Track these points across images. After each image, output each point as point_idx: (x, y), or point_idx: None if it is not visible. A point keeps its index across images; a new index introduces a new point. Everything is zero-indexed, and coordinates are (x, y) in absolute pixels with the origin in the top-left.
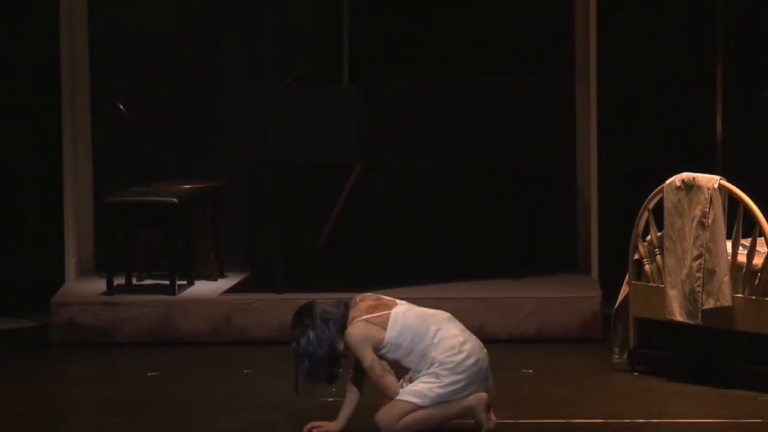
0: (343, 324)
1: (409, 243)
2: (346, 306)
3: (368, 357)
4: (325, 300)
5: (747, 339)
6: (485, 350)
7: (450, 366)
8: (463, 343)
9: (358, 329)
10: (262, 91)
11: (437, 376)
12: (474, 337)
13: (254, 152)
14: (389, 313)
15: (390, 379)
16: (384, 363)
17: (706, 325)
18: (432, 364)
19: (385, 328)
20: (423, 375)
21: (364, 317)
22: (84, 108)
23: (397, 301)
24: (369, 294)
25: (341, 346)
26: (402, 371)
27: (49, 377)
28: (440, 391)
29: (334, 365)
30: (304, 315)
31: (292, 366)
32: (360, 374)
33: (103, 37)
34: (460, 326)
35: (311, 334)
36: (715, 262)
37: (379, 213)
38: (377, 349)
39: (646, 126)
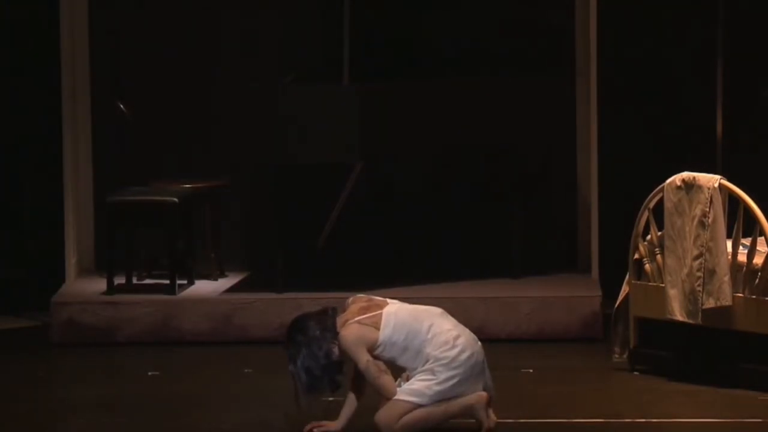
0: (334, 330)
1: (408, 243)
2: (335, 311)
3: (363, 358)
4: (311, 311)
5: (747, 338)
6: (479, 343)
7: (445, 362)
8: (457, 337)
9: (351, 331)
10: (262, 91)
11: (433, 372)
12: (467, 330)
13: (254, 152)
14: (381, 313)
15: (387, 379)
16: (380, 363)
17: (707, 324)
18: (427, 361)
19: (378, 328)
20: (419, 372)
21: (356, 319)
22: (84, 108)
23: (389, 300)
24: (360, 295)
25: (336, 353)
26: (397, 371)
27: (49, 377)
28: (438, 388)
29: (334, 373)
30: (295, 332)
31: (293, 385)
32: (360, 376)
33: (103, 37)
34: (453, 321)
35: (305, 350)
36: (716, 261)
37: (379, 213)
38: (372, 349)
39: (646, 126)
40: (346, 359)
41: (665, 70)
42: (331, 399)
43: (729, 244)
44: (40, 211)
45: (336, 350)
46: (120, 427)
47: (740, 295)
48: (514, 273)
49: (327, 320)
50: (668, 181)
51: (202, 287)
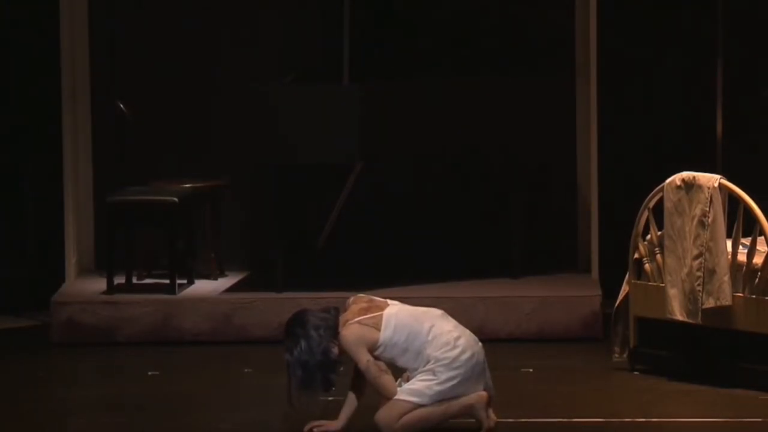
0: (335, 329)
1: (408, 243)
2: (336, 310)
3: (363, 358)
4: (314, 307)
5: (747, 338)
6: (480, 344)
7: (446, 362)
8: (458, 338)
9: (351, 331)
10: (262, 90)
11: (434, 373)
12: (468, 331)
13: (254, 152)
14: (382, 314)
15: (387, 379)
16: (380, 363)
17: (706, 324)
18: (428, 362)
19: (378, 329)
20: (420, 373)
21: (357, 319)
22: (84, 108)
23: (389, 301)
24: (361, 296)
25: (335, 351)
26: (398, 372)
27: (49, 376)
28: (438, 388)
29: (329, 371)
30: (294, 325)
31: (287, 378)
32: (360, 376)
33: (103, 37)
34: (454, 322)
35: (303, 343)
36: (716, 261)
37: (378, 213)
38: (372, 349)
39: (646, 126)
40: (345, 359)
41: (665, 70)
42: (330, 399)
43: (729, 243)
44: (40, 212)
45: (335, 349)
46: (120, 427)
47: (740, 294)
48: (514, 273)
49: (328, 318)
50: (668, 180)
51: (202, 287)
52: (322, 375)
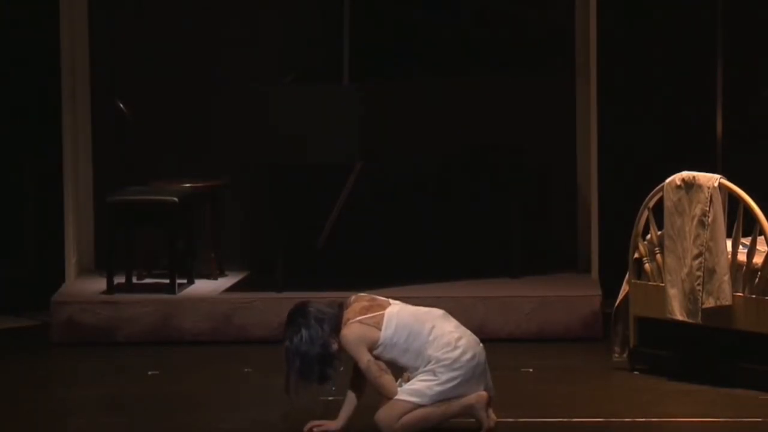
0: (337, 324)
1: (408, 243)
2: (341, 307)
3: (364, 358)
4: (319, 300)
5: (747, 338)
6: (481, 344)
7: (446, 363)
8: (459, 338)
9: (352, 330)
10: (262, 90)
11: (434, 373)
12: (469, 332)
13: (254, 152)
14: (383, 314)
15: (387, 378)
16: (381, 363)
17: (706, 324)
18: (429, 362)
19: (379, 329)
20: (420, 373)
21: (358, 318)
22: (84, 108)
23: (391, 301)
24: (363, 294)
25: (335, 347)
26: (398, 372)
27: (49, 376)
28: (439, 388)
29: (327, 365)
30: (297, 314)
31: (284, 366)
32: (360, 375)
33: (103, 37)
34: (455, 322)
35: (304, 333)
36: (715, 261)
37: (378, 213)
38: (372, 348)
39: (646, 126)
40: (345, 358)
41: (665, 70)
42: (330, 398)
43: (729, 243)
44: (40, 212)
45: (335, 345)
46: (120, 427)
47: (740, 294)
48: (514, 273)
49: (331, 313)
50: (668, 180)
51: (202, 287)
52: (320, 368)
